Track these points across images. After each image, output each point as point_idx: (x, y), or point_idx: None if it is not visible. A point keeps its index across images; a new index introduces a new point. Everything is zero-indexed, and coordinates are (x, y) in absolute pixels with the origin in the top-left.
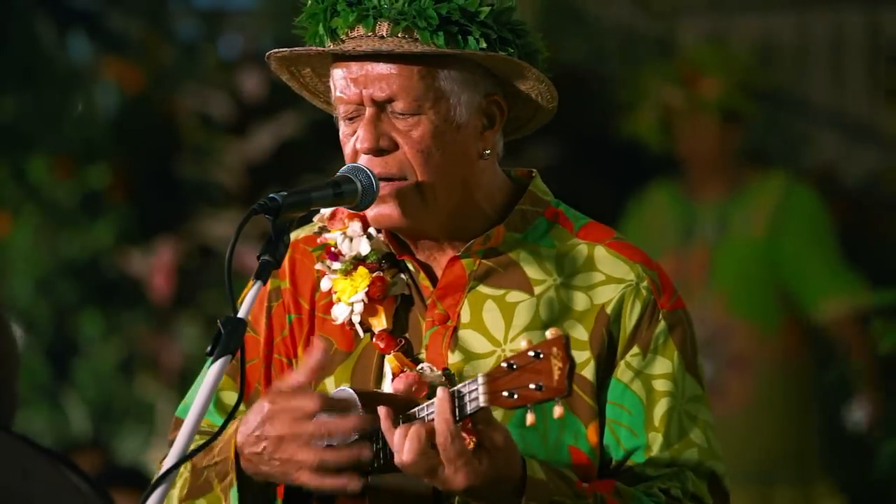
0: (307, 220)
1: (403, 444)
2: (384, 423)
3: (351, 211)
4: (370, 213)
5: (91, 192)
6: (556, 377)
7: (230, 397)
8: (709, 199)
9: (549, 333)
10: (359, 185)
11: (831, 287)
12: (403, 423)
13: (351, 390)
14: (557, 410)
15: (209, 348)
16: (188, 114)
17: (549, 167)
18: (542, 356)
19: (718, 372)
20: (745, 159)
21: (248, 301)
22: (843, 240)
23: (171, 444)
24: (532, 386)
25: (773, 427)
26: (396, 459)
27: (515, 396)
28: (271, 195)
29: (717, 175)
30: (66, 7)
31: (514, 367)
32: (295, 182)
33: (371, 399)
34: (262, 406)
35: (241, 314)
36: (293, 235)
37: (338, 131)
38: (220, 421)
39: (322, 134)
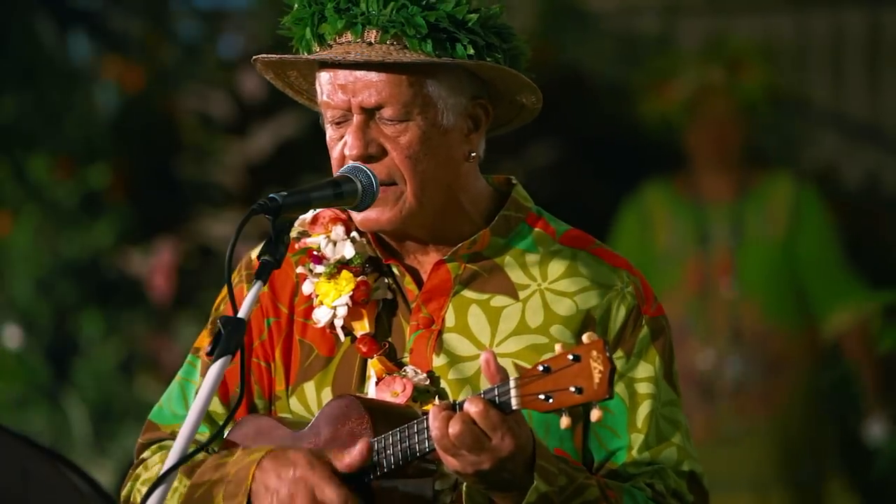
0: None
1: (447, 423)
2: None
3: (333, 215)
4: (357, 217)
5: (91, 192)
6: (596, 380)
7: (213, 403)
8: (718, 200)
9: (585, 338)
10: (359, 185)
11: (840, 296)
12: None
13: (357, 398)
14: (595, 414)
15: (209, 348)
16: (188, 114)
17: (548, 167)
18: (581, 359)
19: (759, 377)
20: (747, 158)
21: (249, 301)
22: (842, 240)
23: (141, 446)
24: (572, 389)
25: (805, 429)
26: (436, 434)
27: (551, 400)
28: (271, 195)
29: (723, 173)
30: (66, 7)
31: (551, 370)
32: (295, 182)
33: (376, 406)
34: (299, 459)
35: (241, 314)
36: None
37: None
38: (202, 428)
39: (322, 134)
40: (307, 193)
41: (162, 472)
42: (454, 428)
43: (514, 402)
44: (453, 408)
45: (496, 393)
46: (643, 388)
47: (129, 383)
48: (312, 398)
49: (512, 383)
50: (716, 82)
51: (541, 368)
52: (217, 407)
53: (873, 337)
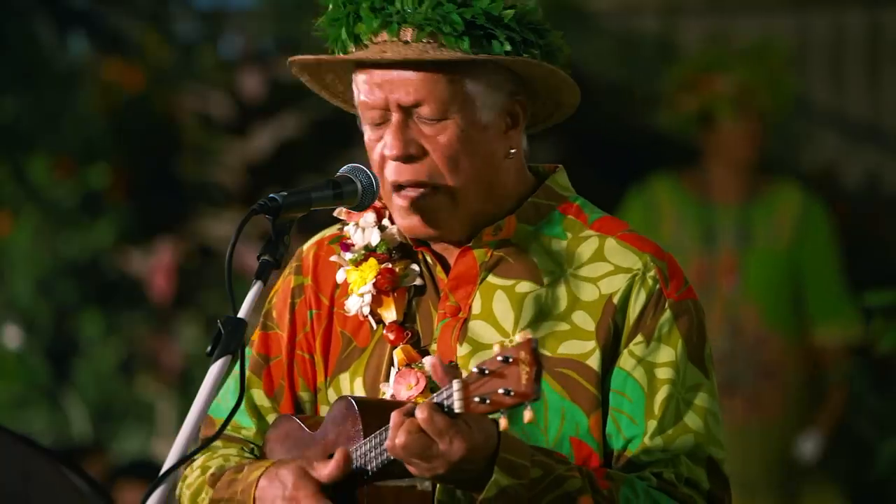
0: (310, 220)
1: (397, 432)
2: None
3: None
4: (402, 223)
5: (91, 192)
6: (523, 381)
7: (260, 397)
8: (726, 202)
9: (518, 337)
10: (359, 185)
11: (832, 312)
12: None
13: (352, 400)
14: (527, 415)
15: (209, 348)
16: (188, 114)
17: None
18: (511, 360)
19: (754, 382)
20: (756, 165)
21: (249, 301)
22: (842, 240)
23: (203, 441)
24: (501, 391)
25: (793, 435)
26: (388, 445)
27: (487, 402)
28: (271, 195)
29: (736, 177)
30: (65, 7)
31: (486, 372)
32: (295, 182)
33: (371, 407)
34: (287, 478)
35: (241, 314)
36: (320, 234)
37: (338, 131)
38: (248, 423)
39: (322, 134)
40: (307, 193)
41: (161, 472)
42: (400, 439)
43: (456, 406)
44: (412, 413)
45: (443, 397)
46: (662, 374)
47: (129, 383)
48: (347, 389)
49: (455, 386)
50: (760, 82)
51: (476, 371)
52: (263, 401)
53: (848, 363)
